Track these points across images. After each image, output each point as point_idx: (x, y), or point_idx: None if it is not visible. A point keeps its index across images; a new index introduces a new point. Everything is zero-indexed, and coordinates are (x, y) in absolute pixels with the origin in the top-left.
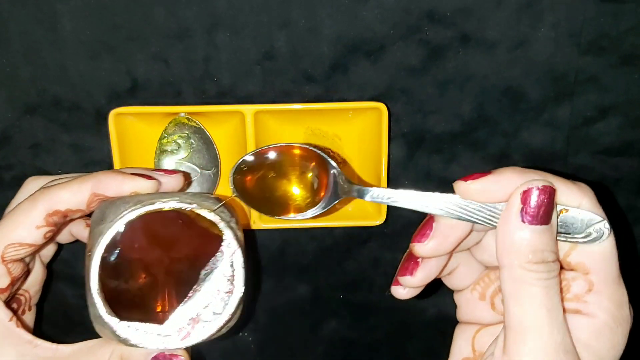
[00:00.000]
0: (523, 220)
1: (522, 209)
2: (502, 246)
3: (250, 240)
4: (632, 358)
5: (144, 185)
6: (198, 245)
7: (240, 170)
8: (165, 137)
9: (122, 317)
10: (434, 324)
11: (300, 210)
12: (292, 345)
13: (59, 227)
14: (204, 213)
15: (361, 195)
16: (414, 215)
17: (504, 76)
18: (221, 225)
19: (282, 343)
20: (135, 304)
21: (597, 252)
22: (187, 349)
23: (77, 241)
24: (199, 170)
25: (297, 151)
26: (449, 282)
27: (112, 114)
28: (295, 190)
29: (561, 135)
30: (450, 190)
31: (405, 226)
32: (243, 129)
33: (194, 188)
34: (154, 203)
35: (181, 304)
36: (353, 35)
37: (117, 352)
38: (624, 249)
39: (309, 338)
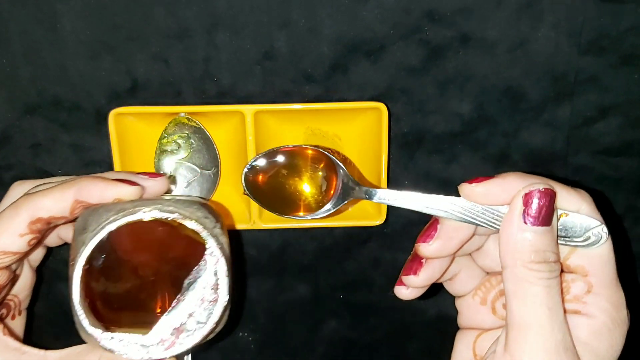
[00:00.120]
0: (525, 222)
1: (524, 211)
2: (505, 247)
3: (250, 240)
4: (630, 359)
5: (126, 192)
6: (182, 253)
7: (252, 170)
8: (165, 137)
9: (109, 323)
10: (434, 324)
11: (309, 209)
12: (292, 345)
13: (43, 234)
14: (186, 222)
15: (369, 196)
16: (414, 216)
17: (504, 76)
18: (204, 233)
19: (282, 343)
20: (121, 311)
21: (595, 256)
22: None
23: (67, 244)
24: (199, 170)
25: (307, 153)
26: (451, 287)
27: (112, 114)
28: (305, 189)
29: (561, 135)
30: (450, 190)
31: (405, 226)
32: (243, 129)
33: (194, 188)
34: (134, 213)
35: (165, 314)
36: (353, 35)
37: (105, 357)
38: (622, 254)
39: (309, 338)
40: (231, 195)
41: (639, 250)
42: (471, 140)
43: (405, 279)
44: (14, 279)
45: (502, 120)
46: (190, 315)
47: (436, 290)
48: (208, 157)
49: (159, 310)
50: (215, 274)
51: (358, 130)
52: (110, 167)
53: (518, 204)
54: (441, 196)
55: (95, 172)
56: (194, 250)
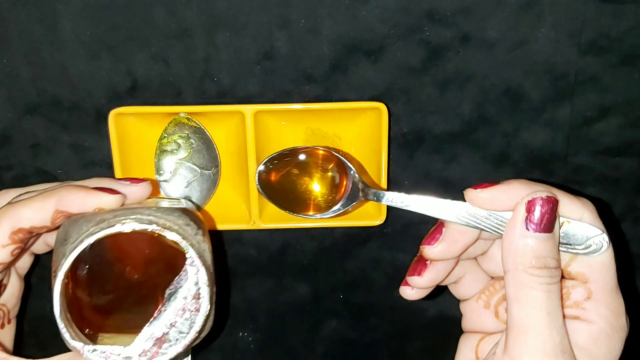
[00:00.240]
0: (527, 228)
1: (526, 218)
2: (507, 252)
3: (250, 240)
4: None
5: (107, 201)
6: (165, 261)
7: (265, 169)
8: (165, 137)
9: (98, 328)
10: (434, 324)
11: (318, 209)
12: (292, 345)
13: (27, 243)
14: (165, 233)
15: (378, 198)
16: (414, 216)
17: (504, 76)
18: (183, 244)
19: (282, 343)
20: (110, 316)
21: (596, 263)
22: None
23: None
24: (199, 170)
25: (318, 154)
26: (456, 291)
27: (112, 114)
28: (315, 189)
29: (561, 135)
30: (450, 190)
31: (405, 226)
32: (243, 129)
33: (194, 188)
34: (112, 226)
35: (147, 324)
36: (353, 35)
37: None
38: (621, 259)
39: (309, 338)
40: (231, 195)
41: (639, 250)
42: (471, 140)
43: (410, 279)
44: (1, 289)
45: (502, 120)
46: (173, 325)
47: (439, 292)
48: (208, 157)
49: (147, 315)
50: (197, 284)
51: (358, 130)
52: (110, 167)
53: (521, 210)
54: (447, 200)
55: (95, 172)
56: (177, 258)
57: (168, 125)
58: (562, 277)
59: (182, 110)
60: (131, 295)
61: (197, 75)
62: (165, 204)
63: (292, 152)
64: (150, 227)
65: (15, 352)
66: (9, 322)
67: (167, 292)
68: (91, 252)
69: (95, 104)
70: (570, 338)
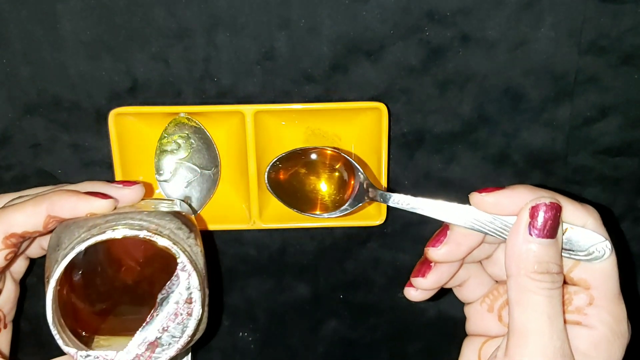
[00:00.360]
0: (530, 234)
1: (530, 223)
2: (510, 256)
3: (250, 240)
4: None
5: (98, 206)
6: (159, 264)
7: (274, 168)
8: (165, 137)
9: (94, 330)
10: (434, 324)
11: (325, 209)
12: (292, 345)
13: (19, 247)
14: (156, 239)
15: (385, 200)
16: (414, 216)
17: (504, 76)
18: (174, 249)
19: (282, 343)
20: (106, 318)
21: (598, 270)
22: None
23: None
24: (199, 170)
25: (326, 155)
26: (460, 294)
27: (112, 114)
28: (323, 189)
29: (561, 135)
30: (450, 190)
31: (405, 226)
32: (243, 129)
33: (194, 188)
34: (103, 232)
35: (140, 329)
36: (353, 35)
37: None
38: (622, 262)
39: (309, 338)
40: (231, 195)
41: (639, 250)
42: (471, 140)
43: (414, 280)
44: None
45: (502, 120)
46: (165, 329)
47: (443, 294)
48: (208, 157)
49: (143, 317)
50: (188, 288)
51: (358, 130)
52: (110, 167)
53: (525, 216)
54: (453, 204)
55: (95, 172)
56: (172, 260)
57: (168, 125)
58: (565, 282)
59: (182, 110)
60: (127, 298)
61: (197, 75)
62: (158, 206)
63: (302, 152)
64: (141, 233)
65: (12, 356)
66: (5, 326)
67: (160, 296)
68: (86, 255)
69: (95, 104)
70: (572, 343)
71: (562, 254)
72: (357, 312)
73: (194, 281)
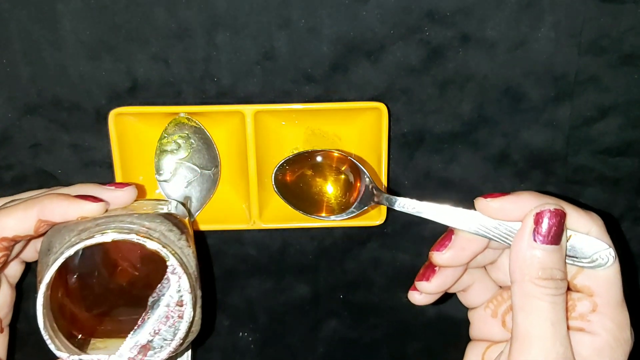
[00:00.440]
0: (535, 240)
1: (534, 229)
2: (514, 262)
3: (250, 240)
4: None
5: (89, 209)
6: (153, 265)
7: (281, 170)
8: (165, 137)
9: (89, 332)
10: (434, 324)
11: (331, 211)
12: (292, 345)
13: (12, 250)
14: (146, 242)
15: (390, 204)
16: (414, 216)
17: (504, 76)
18: (164, 252)
19: (282, 343)
20: (101, 320)
21: (601, 277)
22: None
23: None
24: (199, 170)
25: (333, 157)
26: (465, 299)
27: (112, 114)
28: (329, 192)
29: (561, 135)
30: (450, 190)
31: (405, 226)
32: (243, 129)
33: (194, 188)
34: (92, 237)
35: (131, 333)
36: (353, 35)
37: None
38: (622, 262)
39: (309, 338)
40: (231, 195)
41: (639, 250)
42: (471, 140)
43: (418, 284)
44: None
45: (502, 120)
46: (157, 332)
47: (446, 299)
48: (208, 157)
49: (139, 318)
50: (179, 291)
51: (358, 130)
52: (110, 167)
53: (529, 222)
54: (458, 209)
55: (95, 172)
56: (159, 267)
57: (168, 125)
58: (568, 289)
59: (182, 110)
60: (123, 299)
61: (197, 75)
62: (150, 207)
63: (308, 155)
64: (130, 237)
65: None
66: (1, 330)
67: (150, 299)
68: (82, 257)
69: (95, 104)
70: (575, 350)
71: (566, 261)
72: (357, 312)
73: (185, 284)
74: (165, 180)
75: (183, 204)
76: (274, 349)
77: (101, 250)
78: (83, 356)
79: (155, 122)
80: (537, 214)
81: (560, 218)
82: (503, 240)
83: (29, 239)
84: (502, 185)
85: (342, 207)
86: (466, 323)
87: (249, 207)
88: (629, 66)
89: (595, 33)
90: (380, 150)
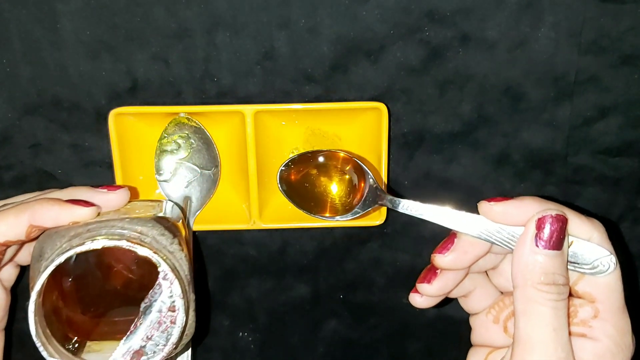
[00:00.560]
0: (537, 245)
1: (536, 234)
2: (516, 267)
3: (250, 240)
4: None
5: (81, 214)
6: (148, 266)
7: (286, 170)
8: (165, 137)
9: (85, 334)
10: (434, 324)
11: (335, 212)
12: (292, 345)
13: (5, 255)
14: (136, 248)
15: (394, 205)
16: (414, 217)
17: (504, 76)
18: (155, 257)
19: (282, 343)
20: (97, 322)
21: (602, 284)
22: None
23: None
24: (199, 170)
25: (337, 157)
26: (466, 304)
27: (112, 114)
28: (333, 192)
29: (561, 135)
30: (450, 190)
31: (405, 226)
32: (243, 129)
33: (194, 188)
34: (82, 244)
35: (124, 339)
36: (353, 35)
37: None
38: (622, 262)
39: (309, 338)
40: (231, 195)
41: (639, 250)
42: (471, 140)
43: (420, 286)
44: None
45: (502, 120)
46: (149, 338)
47: (447, 303)
48: (208, 157)
49: (134, 320)
50: (171, 296)
51: (358, 130)
52: (110, 167)
53: (532, 227)
54: (461, 212)
55: (95, 172)
56: (151, 273)
57: (168, 125)
58: (570, 295)
59: (182, 110)
60: (119, 302)
61: (197, 75)
62: (143, 210)
63: (312, 155)
64: (121, 243)
65: None
66: None
67: (143, 305)
68: (77, 261)
69: (95, 104)
70: (576, 355)
71: (568, 267)
72: (357, 312)
73: (177, 289)
74: (165, 180)
75: (180, 206)
76: (274, 349)
77: (95, 253)
78: None
79: (155, 122)
80: (539, 219)
81: (562, 224)
82: (505, 245)
83: (22, 244)
84: (502, 186)
85: (346, 208)
86: (466, 323)
87: (249, 207)
88: (629, 66)
89: (595, 33)
90: (380, 150)
